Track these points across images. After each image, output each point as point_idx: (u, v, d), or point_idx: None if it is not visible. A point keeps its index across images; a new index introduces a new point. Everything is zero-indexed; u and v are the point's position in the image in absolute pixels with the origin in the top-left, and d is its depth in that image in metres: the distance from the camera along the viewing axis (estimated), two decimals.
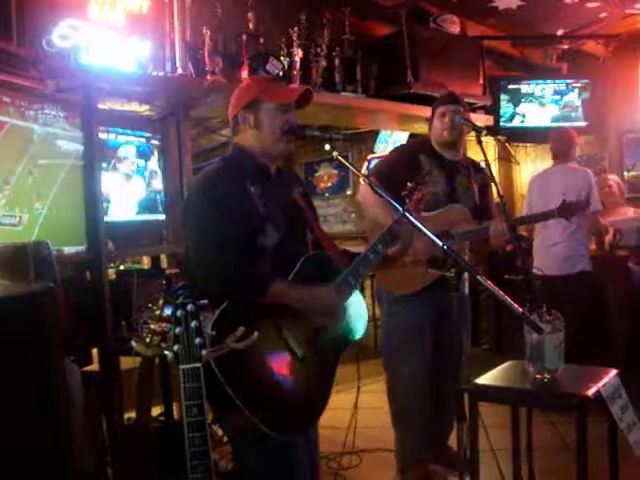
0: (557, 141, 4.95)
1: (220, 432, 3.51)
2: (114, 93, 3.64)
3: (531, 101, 6.40)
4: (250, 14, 4.30)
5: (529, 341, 2.62)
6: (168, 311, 1.84)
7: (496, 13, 5.61)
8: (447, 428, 3.70)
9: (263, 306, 2.16)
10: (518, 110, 6.38)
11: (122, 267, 3.98)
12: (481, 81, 5.66)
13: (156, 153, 3.94)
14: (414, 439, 3.55)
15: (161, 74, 3.84)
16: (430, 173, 3.43)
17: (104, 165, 3.52)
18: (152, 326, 2.61)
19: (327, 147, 2.40)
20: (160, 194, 3.95)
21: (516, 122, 6.39)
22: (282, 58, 4.33)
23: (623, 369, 2.79)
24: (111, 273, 3.56)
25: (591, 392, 2.47)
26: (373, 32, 5.47)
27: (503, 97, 6.32)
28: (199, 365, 1.78)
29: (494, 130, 6.09)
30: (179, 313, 1.79)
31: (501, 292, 2.08)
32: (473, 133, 3.26)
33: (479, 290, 6.03)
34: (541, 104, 6.42)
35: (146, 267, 4.63)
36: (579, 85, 6.42)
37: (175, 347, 1.78)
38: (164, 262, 4.38)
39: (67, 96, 3.33)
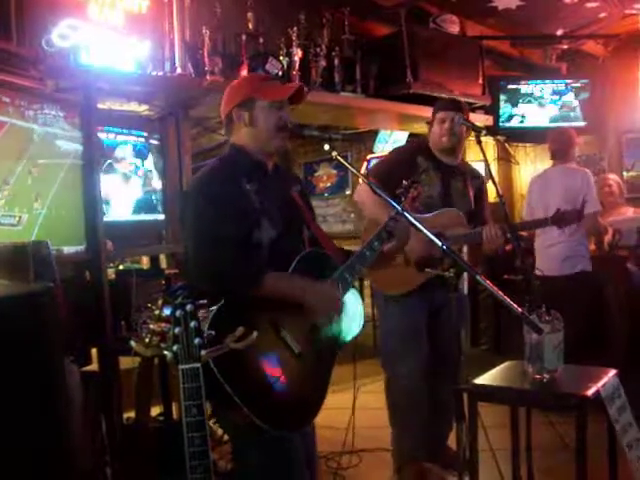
0: (556, 141, 4.95)
1: (220, 432, 3.51)
2: (113, 93, 3.64)
3: (530, 101, 6.40)
4: (249, 14, 4.30)
5: (528, 341, 2.62)
6: (167, 311, 1.85)
7: (495, 13, 5.61)
8: (446, 428, 3.71)
9: (260, 303, 2.16)
10: (517, 110, 6.38)
11: (121, 267, 3.98)
12: (480, 81, 5.66)
13: (155, 153, 3.94)
14: (410, 438, 3.56)
15: (160, 74, 3.84)
16: (426, 172, 3.45)
17: (103, 165, 3.52)
18: (151, 326, 2.61)
19: (326, 147, 2.41)
20: (160, 194, 3.95)
21: (515, 122, 6.40)
22: (281, 58, 4.33)
23: (622, 369, 2.80)
24: (110, 273, 3.56)
25: (590, 392, 2.48)
26: (372, 32, 5.47)
27: (502, 97, 6.32)
28: (198, 365, 1.79)
29: (493, 130, 6.10)
30: (178, 313, 1.79)
31: (500, 292, 2.08)
32: (473, 133, 3.27)
33: (478, 290, 6.04)
34: (540, 104, 6.42)
35: (145, 267, 4.63)
36: (578, 85, 6.42)
37: (174, 347, 1.78)
38: (163, 262, 4.38)
39: (66, 96, 3.33)
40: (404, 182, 2.56)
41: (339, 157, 2.40)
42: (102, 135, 3.53)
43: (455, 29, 5.49)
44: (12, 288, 2.17)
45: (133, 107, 3.89)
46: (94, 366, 3.26)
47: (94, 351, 3.30)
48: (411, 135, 6.86)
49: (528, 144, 6.98)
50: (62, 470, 2.02)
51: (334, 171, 8.13)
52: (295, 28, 4.45)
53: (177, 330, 1.79)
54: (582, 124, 6.33)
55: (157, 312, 2.74)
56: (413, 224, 2.26)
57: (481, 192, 3.71)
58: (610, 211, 5.39)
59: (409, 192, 2.56)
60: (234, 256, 2.17)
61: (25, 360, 1.87)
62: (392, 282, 3.46)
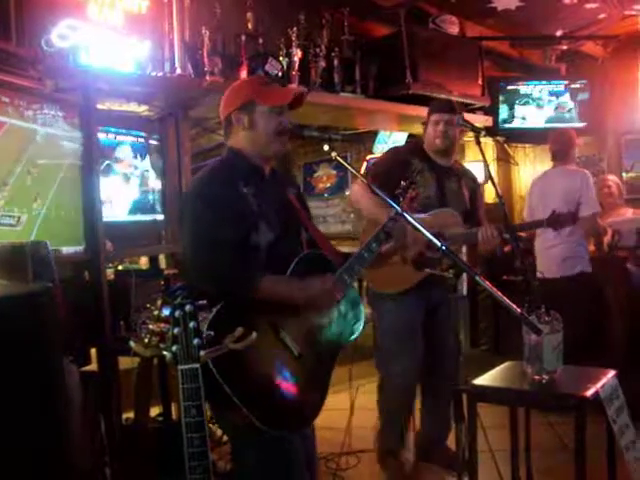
0: (556, 142, 4.96)
1: (219, 432, 3.51)
2: (113, 93, 3.63)
3: (530, 102, 6.40)
4: (249, 14, 4.30)
5: (527, 342, 2.62)
6: (166, 311, 1.84)
7: (495, 14, 5.61)
8: (445, 428, 3.72)
9: (259, 304, 2.17)
10: (517, 111, 6.38)
11: (120, 267, 3.98)
12: (480, 82, 5.66)
13: (155, 153, 3.93)
14: (395, 434, 3.67)
15: (160, 74, 3.84)
16: (422, 173, 3.47)
17: (102, 165, 3.52)
18: (151, 326, 2.60)
19: (326, 147, 2.42)
20: (159, 194, 3.95)
21: (515, 123, 6.40)
22: (281, 58, 4.33)
23: (622, 370, 2.80)
24: (109, 273, 3.56)
25: (589, 393, 2.48)
26: (372, 32, 5.47)
27: (502, 98, 6.32)
28: (197, 366, 1.79)
29: (493, 131, 6.10)
30: (177, 314, 1.79)
31: (499, 293, 2.08)
32: (472, 134, 3.27)
33: (478, 291, 6.04)
34: (540, 105, 6.42)
35: (144, 267, 4.63)
36: (578, 86, 6.42)
37: (174, 347, 1.78)
38: (162, 263, 4.38)
39: (66, 96, 3.33)
40: (402, 183, 2.57)
41: (339, 158, 2.41)
42: (102, 135, 3.53)
43: (454, 30, 5.49)
44: (11, 288, 2.17)
45: (132, 107, 3.89)
46: (93, 366, 3.26)
47: (93, 351, 3.30)
48: (410, 136, 6.86)
49: (527, 145, 6.98)
50: (61, 470, 2.01)
51: (334, 172, 8.12)
52: (295, 28, 4.45)
53: (176, 330, 1.79)
54: (578, 125, 6.33)
55: (156, 312, 2.73)
56: (412, 224, 2.27)
57: (476, 193, 3.76)
58: (609, 212, 5.39)
59: (407, 193, 2.56)
60: (232, 259, 2.18)
61: (24, 360, 1.87)
62: (389, 280, 3.47)
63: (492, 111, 6.16)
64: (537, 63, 6.78)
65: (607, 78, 6.59)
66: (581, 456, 2.44)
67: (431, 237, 2.22)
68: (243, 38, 4.25)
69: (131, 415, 3.38)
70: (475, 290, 6.02)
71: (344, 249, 2.63)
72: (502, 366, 2.92)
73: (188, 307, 1.79)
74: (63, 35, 3.36)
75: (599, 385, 2.55)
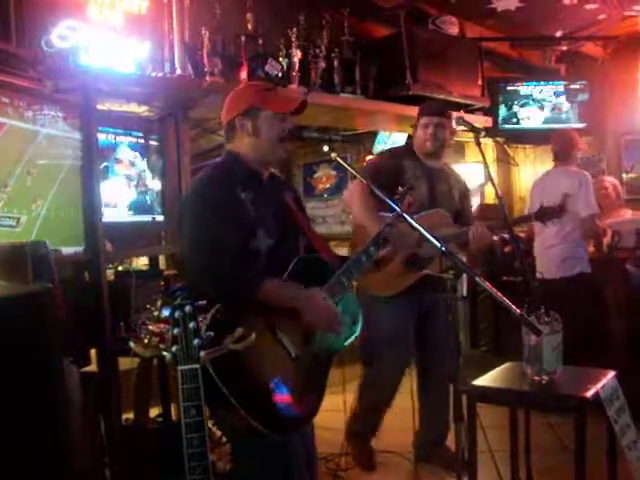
0: (557, 142, 4.97)
1: (218, 433, 3.51)
2: (113, 94, 3.63)
3: (530, 103, 6.40)
4: (249, 15, 4.30)
5: (527, 343, 2.63)
6: (166, 312, 1.84)
7: (495, 14, 5.61)
8: (443, 429, 3.72)
9: (257, 306, 2.17)
10: (517, 111, 6.39)
11: (120, 268, 3.98)
12: (480, 82, 5.65)
13: (154, 154, 3.93)
14: (370, 424, 3.82)
15: (160, 75, 3.84)
16: (413, 175, 3.50)
17: (102, 166, 3.52)
18: (150, 327, 2.61)
19: (326, 148, 2.43)
20: (159, 195, 3.95)
21: (515, 123, 6.40)
22: (281, 59, 4.33)
23: (622, 371, 2.80)
24: (109, 274, 3.56)
25: (589, 394, 2.48)
26: (372, 33, 5.47)
27: (502, 98, 6.32)
28: (197, 366, 1.79)
29: (493, 131, 6.10)
30: (177, 314, 1.79)
31: (499, 294, 2.08)
32: (472, 135, 3.28)
33: (477, 291, 6.04)
34: (539, 106, 6.42)
35: (142, 268, 4.63)
36: (577, 87, 6.42)
37: (173, 348, 1.78)
38: (161, 263, 4.38)
39: (66, 97, 3.33)
40: (400, 188, 2.59)
41: (338, 158, 2.41)
42: (101, 136, 3.52)
43: (454, 30, 5.49)
44: (11, 288, 2.17)
45: (132, 108, 3.89)
46: (93, 367, 3.26)
47: (93, 352, 3.30)
48: (410, 137, 6.85)
49: (527, 145, 6.98)
50: (61, 470, 2.02)
51: (333, 172, 8.11)
52: (295, 29, 4.45)
53: (176, 331, 1.79)
54: (576, 125, 6.33)
55: (156, 313, 2.74)
56: (413, 226, 2.27)
57: (465, 195, 3.82)
58: (608, 213, 5.39)
59: (405, 198, 2.58)
60: (232, 259, 2.18)
61: (24, 360, 1.87)
62: (381, 283, 3.48)
63: (492, 112, 6.16)
64: (537, 64, 6.78)
65: (607, 79, 6.59)
66: (581, 457, 2.44)
67: (431, 238, 2.23)
68: (243, 39, 4.24)
69: (131, 416, 3.38)
70: (475, 291, 6.03)
71: (344, 250, 2.64)
72: (502, 367, 2.92)
73: (188, 308, 1.79)
74: (63, 36, 3.36)
75: (599, 386, 2.55)
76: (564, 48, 6.59)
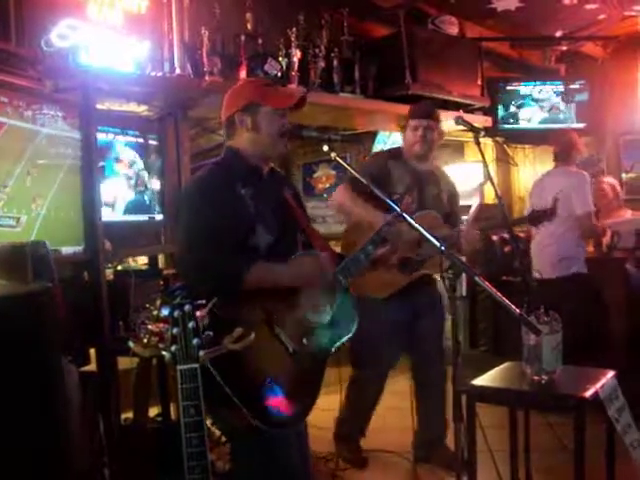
0: (557, 143, 5.00)
1: (218, 432, 3.51)
2: (112, 93, 3.63)
3: (529, 103, 6.40)
4: (248, 15, 4.29)
5: (527, 342, 2.63)
6: (165, 311, 1.84)
7: (495, 14, 5.62)
8: (441, 428, 3.73)
9: (254, 302, 2.18)
10: (516, 111, 6.38)
11: (120, 267, 3.98)
12: (479, 82, 5.65)
13: (154, 153, 3.93)
14: (354, 422, 3.87)
15: (159, 74, 3.84)
16: (401, 178, 3.52)
17: (101, 165, 3.52)
18: (150, 326, 2.60)
19: (325, 148, 2.43)
20: (158, 194, 3.95)
21: (514, 123, 6.40)
22: (280, 59, 4.32)
23: (621, 371, 2.80)
24: (109, 273, 3.56)
25: (589, 393, 2.48)
26: (371, 33, 5.47)
27: (501, 98, 6.32)
28: (196, 366, 1.79)
29: (492, 131, 6.10)
30: (176, 314, 1.79)
31: (499, 293, 2.08)
32: (471, 134, 3.28)
33: (477, 291, 6.04)
34: (539, 106, 6.42)
35: (142, 267, 4.62)
36: (577, 87, 6.42)
37: (172, 348, 1.78)
38: (160, 263, 4.38)
39: (66, 96, 3.33)
40: (399, 191, 2.60)
41: (338, 158, 2.41)
42: (101, 135, 3.52)
43: (454, 30, 5.49)
44: (10, 288, 2.17)
45: (132, 107, 3.89)
46: (92, 366, 3.25)
47: (92, 351, 3.30)
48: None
49: (527, 145, 6.98)
50: (60, 470, 2.02)
51: (333, 172, 8.11)
52: (294, 29, 4.45)
53: (175, 330, 1.79)
54: (574, 125, 6.33)
55: (155, 312, 2.73)
56: (413, 226, 2.28)
57: (453, 197, 3.84)
58: (608, 214, 5.40)
59: (404, 200, 2.59)
60: (227, 257, 2.19)
61: (23, 360, 1.87)
62: (373, 285, 3.47)
63: (491, 111, 6.16)
64: (537, 64, 6.78)
65: (607, 79, 6.59)
66: (580, 456, 2.44)
67: (431, 238, 2.23)
68: (242, 38, 4.24)
69: (130, 415, 3.38)
70: (474, 291, 6.03)
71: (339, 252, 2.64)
72: (501, 367, 2.92)
73: (187, 307, 1.79)
74: (63, 35, 3.36)
75: (598, 385, 2.55)
76: (564, 48, 6.59)
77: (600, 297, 4.76)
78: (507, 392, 2.69)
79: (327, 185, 8.25)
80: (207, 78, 3.94)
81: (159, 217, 3.95)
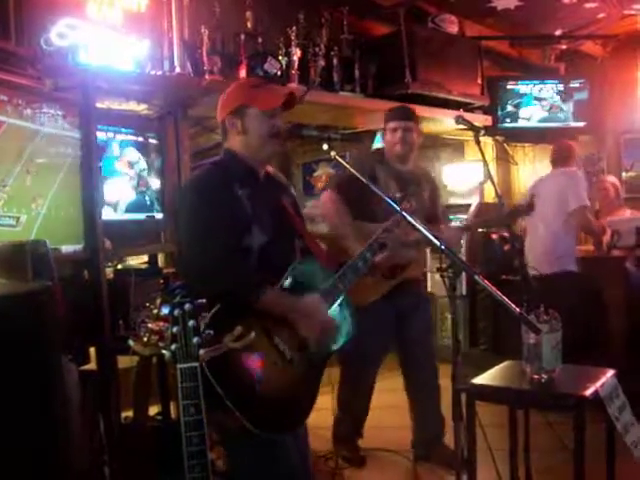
0: (554, 152, 5.10)
1: None
2: (112, 92, 3.63)
3: (529, 101, 6.40)
4: (248, 13, 4.29)
5: (526, 341, 2.63)
6: (166, 310, 1.84)
7: (494, 13, 5.62)
8: (438, 426, 3.74)
9: (254, 309, 2.18)
10: (516, 110, 6.38)
11: (120, 266, 3.97)
12: (479, 81, 5.65)
13: (154, 152, 3.93)
14: (348, 422, 3.89)
15: (159, 73, 3.83)
16: (384, 180, 3.55)
17: (101, 164, 3.51)
18: (150, 325, 2.60)
19: (325, 147, 2.43)
20: (158, 193, 3.94)
21: (514, 122, 6.39)
22: (280, 57, 4.32)
23: (621, 370, 2.80)
24: (109, 272, 3.56)
25: (589, 392, 2.48)
26: (371, 32, 5.46)
27: (501, 97, 6.32)
28: (196, 364, 1.79)
29: (492, 130, 6.10)
30: (176, 312, 1.79)
31: (498, 292, 2.08)
32: (471, 133, 3.28)
33: (477, 290, 6.04)
34: (539, 104, 6.42)
35: (142, 266, 4.62)
36: (577, 85, 6.42)
37: (173, 346, 1.79)
38: (160, 262, 4.37)
39: (65, 95, 3.32)
40: (397, 194, 2.61)
41: (338, 157, 2.42)
42: (101, 134, 3.52)
43: (454, 29, 5.49)
44: (10, 287, 2.17)
45: (132, 106, 3.88)
46: (92, 365, 3.25)
47: (92, 350, 3.30)
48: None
49: (527, 144, 6.98)
50: (60, 469, 2.02)
51: (333, 171, 8.10)
52: (294, 28, 4.45)
53: (175, 329, 1.79)
54: (573, 124, 6.34)
55: (155, 311, 2.73)
56: (415, 227, 2.28)
57: (435, 194, 3.86)
58: (608, 213, 5.42)
59: (403, 202, 2.60)
60: (227, 258, 2.19)
61: (23, 359, 1.87)
62: (356, 294, 3.48)
63: (491, 110, 6.16)
64: (536, 62, 6.78)
65: (606, 77, 6.59)
66: (580, 456, 2.44)
67: (432, 238, 2.24)
68: (242, 37, 4.24)
69: (130, 414, 3.38)
70: (474, 289, 6.03)
71: None
72: (501, 365, 2.93)
73: (187, 306, 1.79)
74: (62, 34, 3.35)
75: (598, 384, 2.55)
76: (563, 47, 6.59)
77: (600, 296, 4.76)
78: (507, 391, 2.69)
79: (327, 184, 8.25)
80: (207, 77, 3.94)
81: (159, 216, 3.95)
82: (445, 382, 2.61)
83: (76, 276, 3.35)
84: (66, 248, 3.20)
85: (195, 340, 1.78)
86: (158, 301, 2.80)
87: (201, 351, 1.79)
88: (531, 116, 6.40)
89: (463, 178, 6.65)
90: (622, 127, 6.68)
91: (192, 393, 1.78)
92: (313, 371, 2.36)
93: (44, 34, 3.30)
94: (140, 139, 3.82)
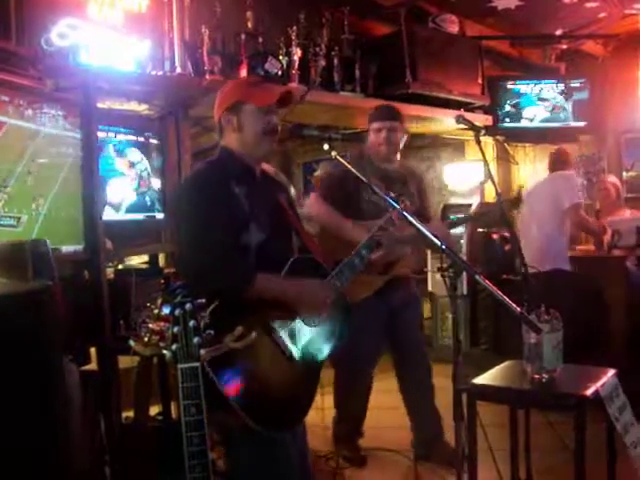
0: (552, 157, 5.20)
1: None
2: (113, 92, 3.63)
3: (530, 101, 6.40)
4: (249, 13, 4.30)
5: (527, 341, 2.62)
6: (166, 310, 1.84)
7: (495, 13, 5.62)
8: (435, 424, 3.74)
9: (253, 305, 2.18)
10: (517, 110, 6.38)
11: (120, 266, 3.97)
12: (480, 81, 5.66)
13: (155, 152, 3.93)
14: (347, 422, 3.88)
15: (160, 73, 3.84)
16: (371, 180, 3.55)
17: (102, 164, 3.51)
18: (150, 325, 2.60)
19: (326, 147, 2.44)
20: (159, 193, 3.95)
21: (515, 122, 6.40)
22: (281, 57, 4.33)
23: (621, 369, 2.80)
24: (109, 272, 3.56)
25: (589, 392, 2.48)
26: (372, 31, 5.47)
27: (502, 97, 6.32)
28: (197, 364, 1.79)
29: (493, 130, 6.10)
30: (177, 312, 1.79)
31: (499, 292, 2.08)
32: (472, 133, 3.28)
33: (477, 290, 6.04)
34: (539, 104, 6.42)
35: (143, 266, 4.62)
36: (577, 85, 6.42)
37: (173, 346, 1.79)
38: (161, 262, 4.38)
39: (66, 95, 3.32)
40: (391, 194, 2.61)
41: (338, 157, 2.42)
42: (102, 134, 3.52)
43: (454, 29, 5.49)
44: (11, 286, 2.17)
45: (133, 106, 3.89)
46: (93, 365, 3.26)
47: (93, 350, 3.30)
48: (410, 135, 6.84)
49: (527, 144, 6.98)
50: (60, 469, 2.01)
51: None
52: (295, 27, 4.45)
53: (176, 329, 1.79)
54: (575, 124, 6.34)
55: (156, 311, 2.73)
56: (414, 225, 2.29)
57: (421, 191, 3.85)
58: (609, 213, 5.42)
59: (399, 202, 2.61)
60: (225, 256, 2.19)
61: (24, 359, 1.87)
62: (350, 288, 3.49)
63: (492, 110, 6.16)
64: (537, 62, 6.78)
65: (607, 77, 6.59)
66: (581, 456, 2.43)
67: (432, 237, 2.24)
68: (243, 37, 4.25)
69: (131, 414, 3.38)
70: (475, 289, 6.03)
71: None
72: (502, 365, 2.92)
73: (188, 306, 1.79)
74: (63, 34, 3.36)
75: (599, 384, 2.55)
76: (564, 46, 6.59)
77: (599, 295, 4.76)
78: (508, 391, 2.69)
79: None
80: (208, 77, 3.94)
81: (160, 216, 3.95)
82: (446, 382, 2.60)
83: (77, 276, 3.35)
84: (67, 248, 3.20)
85: (196, 340, 1.78)
86: (159, 301, 2.80)
87: (202, 351, 1.79)
88: (535, 116, 6.40)
89: (464, 178, 6.66)
90: (623, 127, 6.68)
91: (193, 393, 1.78)
92: (312, 368, 2.38)
93: (45, 34, 3.31)
94: (141, 139, 3.83)
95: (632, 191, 6.40)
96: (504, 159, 6.79)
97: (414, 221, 2.29)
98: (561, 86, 6.40)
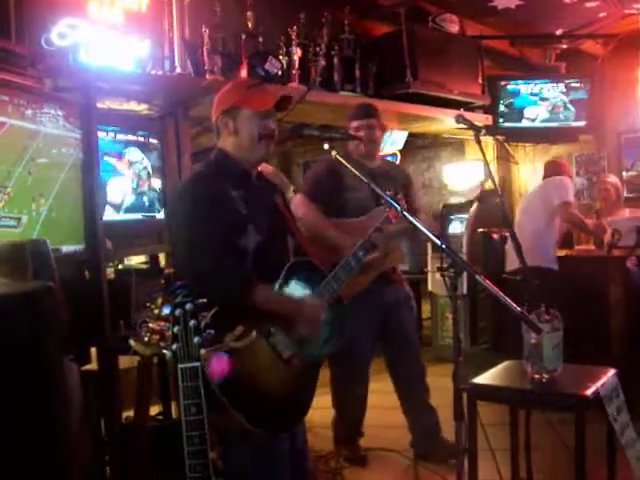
0: (546, 169, 5.29)
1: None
2: (113, 92, 3.63)
3: (530, 101, 6.40)
4: (249, 13, 4.30)
5: (528, 340, 2.62)
6: (167, 310, 1.84)
7: (495, 12, 5.62)
8: (431, 420, 3.75)
9: (249, 308, 2.18)
10: (517, 110, 6.38)
11: (121, 266, 3.98)
12: (480, 80, 5.66)
13: (154, 152, 3.93)
14: (345, 422, 3.88)
15: (160, 73, 3.84)
16: (354, 178, 3.56)
17: (102, 164, 3.51)
18: (151, 325, 2.60)
19: (326, 146, 2.44)
20: (159, 193, 3.95)
21: (515, 122, 6.39)
22: (281, 57, 4.33)
23: (622, 369, 2.80)
24: (110, 272, 3.56)
25: (590, 392, 2.48)
26: (372, 31, 5.47)
27: (502, 96, 6.32)
28: (197, 364, 1.79)
29: (493, 129, 6.10)
30: (177, 312, 1.79)
31: (499, 291, 2.08)
32: (472, 132, 3.28)
33: (478, 289, 6.04)
34: (540, 104, 6.42)
35: (143, 266, 4.62)
36: (577, 85, 6.42)
37: (174, 346, 1.79)
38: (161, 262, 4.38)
39: (66, 95, 3.32)
40: (387, 192, 2.61)
41: (338, 157, 2.42)
42: (101, 134, 3.52)
43: (455, 28, 5.50)
44: (11, 286, 2.17)
45: (132, 106, 3.89)
46: (93, 365, 3.26)
47: (93, 350, 3.30)
48: (410, 135, 6.86)
49: (527, 144, 6.98)
50: (60, 469, 2.01)
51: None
52: (295, 27, 4.45)
53: (176, 329, 1.79)
54: (575, 124, 6.35)
55: (156, 311, 2.73)
56: (414, 224, 2.29)
57: (406, 187, 3.82)
58: (609, 213, 5.43)
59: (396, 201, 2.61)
60: (223, 260, 2.19)
61: (24, 359, 1.87)
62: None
63: (492, 110, 6.16)
64: (537, 62, 6.78)
65: (607, 77, 6.59)
66: (581, 455, 2.44)
67: (431, 236, 2.24)
68: (243, 37, 4.25)
69: (131, 414, 3.38)
70: (475, 289, 6.03)
71: None
72: (502, 365, 2.93)
73: (188, 305, 1.79)
74: (63, 34, 3.36)
75: (599, 384, 2.55)
76: (564, 46, 6.58)
77: (601, 295, 4.75)
78: (508, 390, 2.69)
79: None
80: (208, 77, 3.94)
81: (160, 216, 3.95)
82: (446, 381, 2.60)
83: (77, 276, 3.35)
84: (67, 248, 3.20)
85: (196, 340, 1.78)
86: (159, 301, 2.80)
87: (202, 351, 1.79)
88: (536, 116, 6.40)
89: (464, 177, 6.67)
90: (623, 126, 6.68)
91: (193, 393, 1.78)
92: (310, 370, 2.38)
93: (45, 34, 3.31)
94: (141, 139, 3.83)
95: (632, 191, 6.40)
96: (504, 159, 6.80)
97: (414, 221, 2.29)
98: (561, 86, 6.40)
